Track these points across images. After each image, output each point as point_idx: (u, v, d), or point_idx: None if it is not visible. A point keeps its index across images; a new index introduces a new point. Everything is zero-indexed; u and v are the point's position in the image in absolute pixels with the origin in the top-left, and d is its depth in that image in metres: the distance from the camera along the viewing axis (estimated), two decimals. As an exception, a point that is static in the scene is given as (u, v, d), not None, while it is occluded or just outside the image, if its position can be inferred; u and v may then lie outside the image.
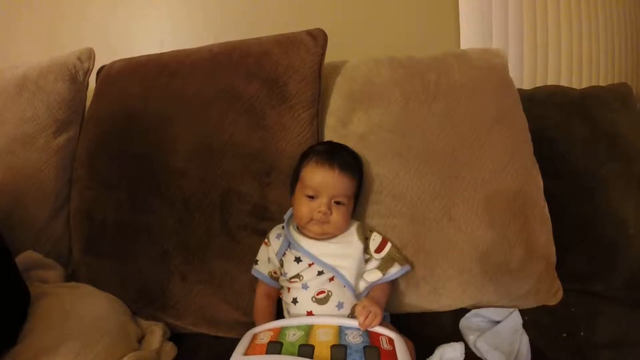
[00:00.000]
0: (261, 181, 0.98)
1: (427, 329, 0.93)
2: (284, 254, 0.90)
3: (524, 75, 1.64)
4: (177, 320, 0.96)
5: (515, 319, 0.91)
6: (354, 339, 0.71)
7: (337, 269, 0.86)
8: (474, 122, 1.01)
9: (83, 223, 1.06)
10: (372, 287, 0.89)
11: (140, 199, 1.01)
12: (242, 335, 0.77)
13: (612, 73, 1.80)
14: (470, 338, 0.88)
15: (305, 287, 0.86)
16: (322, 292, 0.85)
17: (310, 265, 0.87)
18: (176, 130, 1.03)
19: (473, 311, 0.95)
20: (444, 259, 0.95)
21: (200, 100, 1.03)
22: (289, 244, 0.90)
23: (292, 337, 0.72)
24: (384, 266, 0.90)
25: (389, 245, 0.92)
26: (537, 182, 1.01)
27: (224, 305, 0.95)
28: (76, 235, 1.07)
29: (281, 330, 0.75)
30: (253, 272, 0.93)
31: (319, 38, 1.05)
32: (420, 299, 0.97)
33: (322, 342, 0.70)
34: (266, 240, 0.94)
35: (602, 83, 1.70)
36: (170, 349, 0.90)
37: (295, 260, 0.88)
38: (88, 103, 1.17)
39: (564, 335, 0.89)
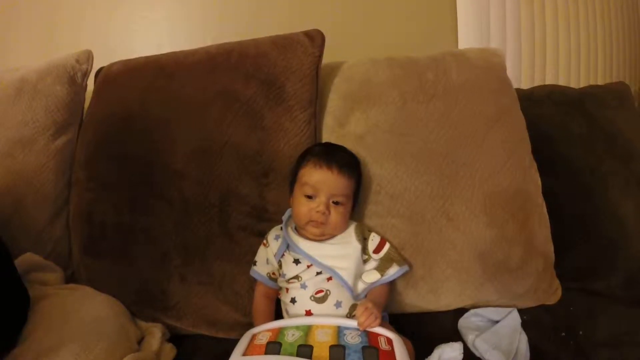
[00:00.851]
0: (260, 182, 0.99)
1: (426, 329, 0.94)
2: (283, 255, 0.90)
3: (522, 75, 1.64)
4: (177, 321, 0.96)
5: (514, 318, 0.91)
6: (353, 340, 0.71)
7: (335, 270, 0.86)
8: (472, 121, 1.01)
9: (82, 225, 1.06)
10: (371, 288, 0.89)
11: (139, 200, 1.01)
12: (241, 335, 0.78)
13: (610, 72, 1.81)
14: (469, 337, 0.88)
15: (303, 286, 0.86)
16: (321, 291, 0.86)
17: (309, 266, 0.87)
18: (174, 132, 1.03)
19: (472, 311, 0.95)
20: (442, 259, 0.96)
21: (199, 101, 1.04)
22: (288, 246, 0.90)
23: (291, 338, 0.72)
24: (382, 267, 0.90)
25: (387, 246, 0.92)
26: (536, 181, 1.02)
27: (224, 306, 0.95)
28: (76, 237, 1.07)
29: (280, 331, 0.75)
30: (251, 273, 0.93)
31: (316, 39, 1.06)
32: (419, 299, 0.97)
33: (321, 342, 0.70)
34: (264, 241, 0.94)
35: (600, 82, 1.70)
36: (169, 350, 0.90)
37: (294, 262, 0.88)
38: (86, 105, 1.18)
39: (563, 334, 0.90)
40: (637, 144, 1.18)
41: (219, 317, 0.96)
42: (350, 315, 0.85)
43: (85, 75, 1.16)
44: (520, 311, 0.93)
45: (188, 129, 1.02)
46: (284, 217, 0.94)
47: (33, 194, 1.07)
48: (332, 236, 0.91)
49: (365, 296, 0.89)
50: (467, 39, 1.55)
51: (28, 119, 1.09)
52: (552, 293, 0.99)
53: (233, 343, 0.75)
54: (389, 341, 0.72)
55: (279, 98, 1.02)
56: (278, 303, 0.94)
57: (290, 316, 0.87)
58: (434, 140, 1.00)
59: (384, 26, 1.53)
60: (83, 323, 0.82)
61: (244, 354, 0.70)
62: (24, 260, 0.96)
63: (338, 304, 0.85)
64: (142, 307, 0.97)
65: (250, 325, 0.88)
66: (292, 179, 0.94)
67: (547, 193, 1.01)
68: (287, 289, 0.88)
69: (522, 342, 0.86)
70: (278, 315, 0.92)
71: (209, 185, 0.99)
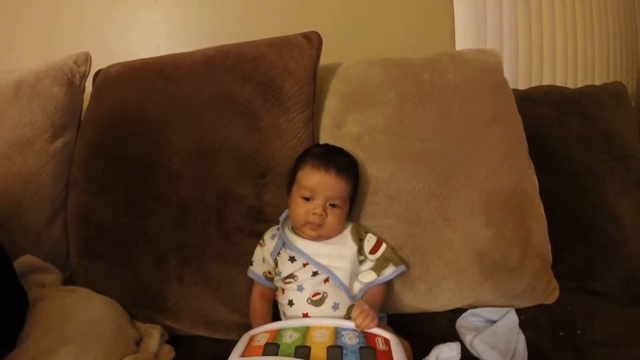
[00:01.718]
0: (257, 183, 0.99)
1: (423, 329, 0.94)
2: (279, 253, 0.90)
3: (519, 76, 1.65)
4: (175, 322, 0.96)
5: (511, 318, 0.91)
6: (350, 340, 0.71)
7: (331, 269, 0.86)
8: (469, 122, 1.02)
9: (80, 227, 1.06)
10: (367, 289, 0.89)
11: (137, 202, 1.01)
12: (239, 336, 0.78)
13: (607, 72, 1.81)
14: (467, 338, 0.88)
15: (300, 288, 0.86)
16: (318, 293, 0.86)
17: (304, 265, 0.88)
18: (172, 134, 1.03)
19: (469, 311, 0.95)
20: (439, 259, 0.96)
21: (196, 103, 1.04)
22: (284, 244, 0.90)
23: (289, 339, 0.72)
24: (378, 267, 0.90)
25: (383, 246, 0.93)
26: (533, 181, 1.02)
27: (222, 307, 0.95)
28: (74, 238, 1.07)
29: (278, 332, 0.75)
30: (248, 273, 0.94)
31: (313, 40, 1.06)
32: (417, 299, 0.97)
33: (319, 343, 0.71)
34: (261, 241, 0.94)
35: (597, 82, 1.70)
36: (168, 352, 0.90)
37: (289, 260, 0.89)
38: (85, 107, 1.18)
39: (561, 334, 0.90)
40: (633, 143, 1.18)
41: (216, 318, 0.96)
42: (347, 317, 0.85)
43: (84, 77, 1.17)
44: (518, 311, 0.93)
45: (185, 130, 1.03)
46: (281, 218, 0.94)
47: (31, 196, 1.07)
48: (329, 237, 0.91)
49: (362, 297, 0.89)
50: (464, 40, 1.56)
51: (26, 120, 1.09)
52: (549, 293, 0.99)
53: (231, 344, 0.75)
54: (387, 341, 0.73)
55: (277, 99, 1.02)
56: (276, 304, 0.94)
57: (288, 319, 0.87)
58: (430, 140, 1.00)
59: (382, 28, 1.54)
60: (81, 324, 0.82)
61: (242, 356, 0.70)
62: (23, 262, 0.96)
63: (336, 306, 0.85)
64: (140, 308, 0.98)
65: (248, 326, 0.88)
66: (290, 179, 0.95)
67: (544, 193, 1.02)
68: (284, 290, 0.89)
69: (519, 342, 0.86)
70: (275, 316, 0.92)
71: (206, 187, 0.99)
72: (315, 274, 0.87)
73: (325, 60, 1.09)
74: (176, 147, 1.02)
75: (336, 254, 0.89)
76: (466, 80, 1.06)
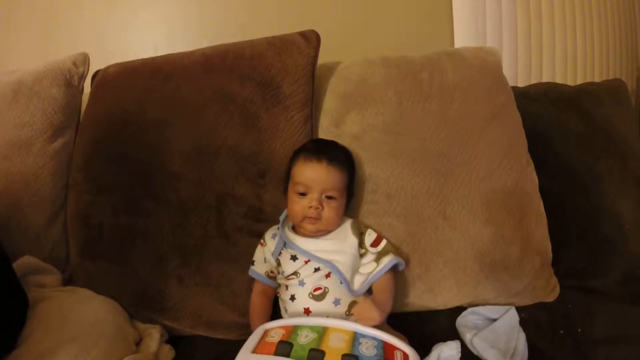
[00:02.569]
0: (256, 183, 0.99)
1: (423, 328, 0.93)
2: (280, 253, 0.91)
3: (518, 74, 1.64)
4: (175, 322, 0.96)
5: (512, 317, 0.91)
6: (368, 350, 0.67)
7: (333, 262, 0.87)
8: (468, 120, 1.02)
9: (80, 227, 1.06)
10: (371, 281, 0.88)
11: (136, 202, 1.01)
12: (240, 336, 0.78)
13: (607, 70, 1.81)
14: (467, 336, 0.88)
15: (302, 283, 0.87)
16: (319, 288, 0.86)
17: (306, 262, 0.88)
18: (171, 134, 1.03)
19: (470, 309, 0.95)
20: (439, 258, 0.96)
21: (195, 103, 1.04)
22: (285, 243, 0.91)
23: (304, 339, 0.69)
24: (378, 258, 0.90)
25: (384, 242, 0.93)
26: (532, 179, 1.02)
27: (222, 307, 0.95)
28: (73, 239, 1.07)
29: (294, 330, 0.72)
30: (250, 273, 0.94)
31: (311, 39, 1.06)
32: (416, 298, 0.97)
33: (334, 348, 0.67)
34: (262, 241, 0.94)
35: (596, 80, 1.70)
36: (168, 352, 0.90)
37: (291, 259, 0.89)
38: (83, 107, 1.18)
39: (561, 332, 0.89)
40: (633, 141, 1.18)
41: (216, 318, 0.96)
42: (348, 313, 0.85)
43: (82, 77, 1.17)
44: (518, 309, 0.93)
45: (184, 130, 1.03)
46: (281, 217, 0.95)
47: (30, 197, 1.07)
48: (328, 232, 0.91)
49: (369, 291, 0.89)
50: (463, 39, 1.55)
51: (25, 121, 1.09)
52: (549, 291, 0.99)
53: (231, 344, 0.75)
54: (405, 356, 0.69)
55: (275, 99, 1.02)
56: (276, 302, 0.94)
57: (289, 315, 0.87)
58: (430, 139, 1.00)
59: (380, 27, 1.54)
60: (81, 325, 0.82)
61: (254, 351, 0.67)
62: (22, 263, 0.96)
63: (336, 302, 0.85)
64: (140, 308, 0.98)
65: (249, 325, 0.88)
66: (286, 178, 0.95)
67: (544, 191, 1.02)
68: (287, 286, 0.89)
69: (520, 341, 0.86)
70: (275, 313, 0.92)
71: (205, 187, 0.99)
72: (317, 269, 0.87)
73: (324, 59, 1.09)
74: (175, 147, 1.02)
75: (336, 248, 0.89)
76: (465, 79, 1.06)
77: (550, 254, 0.99)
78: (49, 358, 0.73)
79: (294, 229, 0.93)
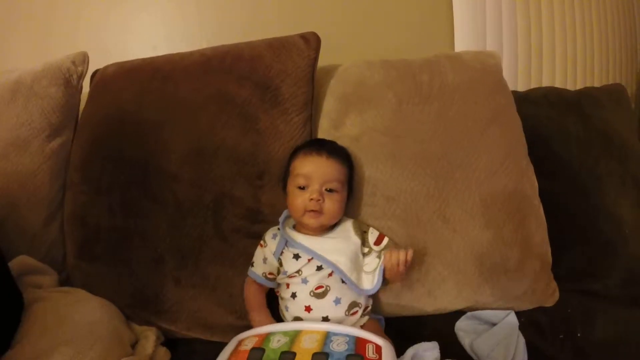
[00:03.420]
0: (254, 184, 0.98)
1: (422, 332, 0.92)
2: (282, 252, 0.90)
3: (518, 78, 1.64)
4: (171, 324, 0.96)
5: (511, 321, 0.90)
6: (339, 347, 0.68)
7: (336, 264, 0.86)
8: (468, 123, 1.01)
9: (77, 228, 1.05)
10: (382, 270, 0.88)
11: (133, 203, 1.01)
12: (236, 339, 0.77)
13: (607, 74, 1.81)
14: (467, 340, 0.88)
15: (304, 281, 0.86)
16: (321, 286, 0.86)
17: (309, 260, 0.87)
18: (169, 134, 1.03)
19: (469, 313, 0.95)
20: (438, 261, 0.95)
21: (193, 104, 1.03)
22: (286, 242, 0.90)
23: (276, 344, 0.70)
24: (381, 254, 0.90)
25: (386, 239, 0.93)
26: (532, 182, 1.01)
27: (218, 309, 0.95)
28: (70, 240, 1.06)
29: (267, 336, 0.74)
30: (249, 274, 0.93)
31: (311, 41, 1.05)
32: (415, 301, 0.96)
33: (305, 349, 0.68)
34: (262, 242, 0.94)
35: (596, 85, 1.70)
36: (164, 354, 0.89)
37: (294, 257, 0.88)
38: (82, 107, 1.17)
39: (561, 336, 0.89)
40: (633, 145, 1.18)
41: (213, 320, 0.95)
42: (349, 312, 0.85)
43: (81, 77, 1.16)
44: (518, 313, 0.93)
45: (182, 131, 1.02)
46: (281, 219, 0.94)
47: (27, 196, 1.06)
48: (330, 230, 0.91)
49: (371, 296, 0.89)
50: (463, 42, 1.55)
51: (23, 120, 1.08)
52: (549, 295, 0.98)
53: (228, 346, 0.74)
54: (378, 349, 0.70)
55: (274, 100, 1.02)
56: (275, 300, 0.93)
57: (289, 313, 0.88)
58: (429, 141, 1.00)
59: (380, 29, 1.54)
60: (77, 326, 0.81)
61: None
62: (18, 262, 0.95)
63: (337, 300, 0.85)
64: (137, 310, 0.97)
65: (246, 328, 0.87)
66: (285, 176, 0.95)
67: (543, 194, 1.01)
68: (288, 285, 0.88)
69: (519, 345, 0.85)
70: (274, 314, 0.92)
71: (203, 188, 0.98)
72: (319, 268, 0.87)
73: (323, 61, 1.08)
74: (173, 148, 1.01)
75: (339, 248, 0.89)
76: (465, 82, 1.05)
77: (549, 258, 0.99)
78: (44, 359, 0.72)
79: (296, 228, 0.93)
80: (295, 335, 0.73)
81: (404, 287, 0.96)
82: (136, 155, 1.03)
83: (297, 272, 0.87)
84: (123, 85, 1.12)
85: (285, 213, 0.94)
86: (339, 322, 0.84)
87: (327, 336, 0.72)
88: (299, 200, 0.88)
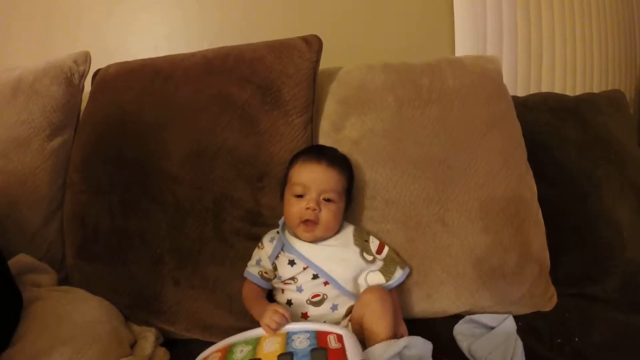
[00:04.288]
0: (254, 186, 0.98)
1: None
2: (277, 257, 0.89)
3: (518, 83, 1.65)
4: (171, 325, 0.96)
5: (509, 325, 0.90)
6: (301, 344, 0.69)
7: (330, 274, 0.85)
8: (468, 127, 1.02)
9: (76, 228, 1.05)
10: None
11: (133, 204, 1.01)
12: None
13: (606, 80, 1.82)
14: (465, 344, 0.88)
15: (300, 289, 0.86)
16: (317, 295, 0.85)
17: (304, 268, 0.87)
18: (169, 135, 1.03)
19: (467, 317, 0.95)
20: (437, 264, 0.95)
21: (194, 105, 1.04)
22: (283, 246, 0.89)
23: (240, 354, 0.70)
24: (386, 269, 0.90)
25: (386, 248, 0.93)
26: (531, 186, 1.02)
27: (217, 310, 0.95)
28: (69, 239, 1.06)
29: (229, 349, 0.73)
30: (245, 274, 0.92)
31: (313, 44, 1.06)
32: (414, 305, 0.96)
33: (269, 352, 0.68)
34: (260, 244, 0.93)
35: (595, 91, 1.71)
36: (163, 355, 0.89)
37: (289, 263, 0.88)
38: (84, 106, 1.17)
39: (559, 340, 0.89)
40: (631, 150, 1.19)
41: (212, 321, 0.95)
42: (347, 315, 0.85)
43: (83, 76, 1.16)
44: (516, 318, 0.92)
45: (183, 132, 1.02)
46: (281, 222, 0.94)
47: (27, 195, 1.06)
48: (327, 237, 0.90)
49: None
50: (463, 46, 1.56)
51: (24, 119, 1.08)
52: (547, 299, 0.98)
53: (227, 348, 0.74)
54: (339, 338, 0.70)
55: (275, 102, 1.02)
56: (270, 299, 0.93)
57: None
58: (429, 145, 1.00)
59: (382, 33, 1.54)
60: (76, 326, 0.81)
61: None
62: (17, 261, 0.95)
63: (334, 307, 0.85)
64: (136, 310, 0.97)
65: (245, 329, 0.87)
66: (283, 183, 0.94)
67: (542, 199, 1.02)
68: (283, 290, 0.88)
69: (517, 349, 0.85)
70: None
71: (203, 189, 0.98)
72: (315, 277, 0.86)
73: (325, 64, 1.09)
74: (173, 149, 1.02)
75: (337, 257, 0.88)
76: (465, 86, 1.06)
77: (548, 262, 0.99)
78: (43, 358, 0.72)
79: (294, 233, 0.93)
80: (256, 342, 0.73)
81: (402, 291, 0.96)
82: (136, 156, 1.03)
83: (292, 279, 0.87)
84: (124, 85, 1.12)
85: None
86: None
87: (288, 336, 0.72)
88: (296, 209, 0.87)
